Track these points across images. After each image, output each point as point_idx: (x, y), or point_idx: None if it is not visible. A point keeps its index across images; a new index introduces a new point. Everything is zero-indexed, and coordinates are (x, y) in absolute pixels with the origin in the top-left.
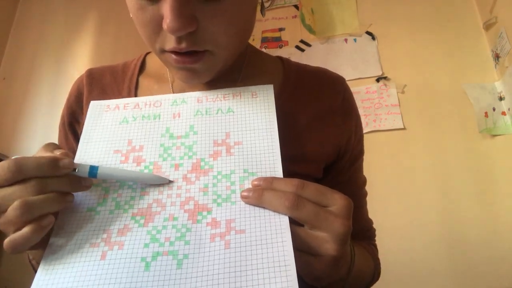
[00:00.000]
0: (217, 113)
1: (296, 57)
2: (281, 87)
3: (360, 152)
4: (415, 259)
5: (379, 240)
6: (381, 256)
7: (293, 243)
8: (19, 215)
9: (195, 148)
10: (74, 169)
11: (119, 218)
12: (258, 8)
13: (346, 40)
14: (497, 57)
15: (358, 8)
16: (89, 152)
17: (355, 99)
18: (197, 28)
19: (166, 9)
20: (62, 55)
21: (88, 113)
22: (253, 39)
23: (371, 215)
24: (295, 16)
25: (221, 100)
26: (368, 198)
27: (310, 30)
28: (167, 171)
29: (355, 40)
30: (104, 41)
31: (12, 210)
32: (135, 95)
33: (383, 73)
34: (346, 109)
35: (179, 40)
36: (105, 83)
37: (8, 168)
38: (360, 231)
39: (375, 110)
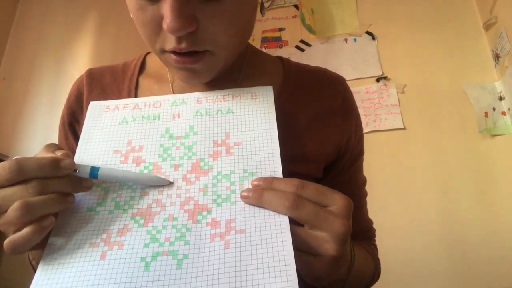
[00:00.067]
0: (216, 113)
1: (296, 57)
2: (281, 87)
3: (360, 152)
4: (415, 259)
5: (379, 240)
6: (381, 256)
7: (293, 243)
8: (20, 215)
9: (195, 148)
10: (75, 170)
11: (118, 218)
12: (258, 8)
13: (346, 40)
14: (497, 57)
15: (358, 8)
16: (89, 152)
17: (355, 99)
18: (197, 28)
19: (166, 9)
20: (62, 55)
21: (87, 113)
22: (253, 39)
23: (371, 215)
24: (295, 16)
25: (220, 101)
26: (368, 198)
27: (310, 30)
28: (166, 172)
29: (355, 40)
30: (104, 41)
31: (13, 210)
32: (135, 95)
33: (383, 73)
34: (346, 109)
35: (179, 40)
36: (105, 83)
37: (9, 169)
38: (360, 231)
39: (375, 110)
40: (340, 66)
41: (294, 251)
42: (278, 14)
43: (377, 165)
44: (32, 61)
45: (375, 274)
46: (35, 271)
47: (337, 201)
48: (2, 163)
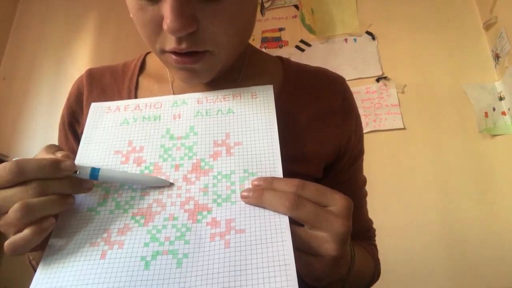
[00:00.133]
0: (217, 114)
1: (296, 57)
2: (281, 87)
3: (360, 152)
4: (415, 259)
5: (379, 240)
6: (381, 256)
7: (293, 243)
8: (20, 217)
9: (195, 148)
10: (76, 171)
11: (119, 217)
12: (258, 8)
13: (346, 40)
14: (497, 57)
15: (358, 8)
16: (90, 153)
17: (355, 99)
18: (197, 29)
19: (166, 10)
20: (62, 55)
21: (89, 114)
22: (253, 39)
23: (371, 215)
24: (295, 16)
25: (221, 101)
26: (368, 198)
27: (310, 30)
28: (167, 172)
29: (355, 40)
30: (104, 41)
31: (13, 212)
32: (135, 95)
33: (383, 73)
34: (346, 109)
35: (179, 40)
36: (105, 83)
37: (9, 170)
38: (360, 231)
39: (375, 110)
40: (340, 66)
41: (294, 251)
42: (278, 14)
43: (377, 165)
44: (32, 61)
45: (375, 274)
46: (35, 271)
47: (337, 201)
48: (2, 164)
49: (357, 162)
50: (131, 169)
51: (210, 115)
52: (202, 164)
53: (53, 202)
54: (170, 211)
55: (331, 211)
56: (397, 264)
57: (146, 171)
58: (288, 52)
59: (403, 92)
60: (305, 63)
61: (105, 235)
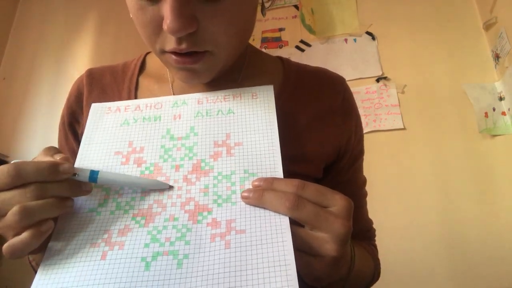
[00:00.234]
0: (217, 114)
1: (296, 57)
2: (281, 87)
3: (360, 152)
4: (415, 259)
5: (379, 240)
6: (381, 256)
7: (293, 243)
8: (18, 220)
9: (196, 149)
10: (75, 174)
11: (119, 218)
12: (259, 8)
13: (346, 40)
14: (497, 57)
15: (358, 8)
16: (90, 154)
17: (355, 99)
18: (197, 29)
19: (166, 10)
20: (62, 55)
21: (89, 115)
22: (253, 39)
23: (371, 215)
24: (295, 16)
25: (221, 101)
26: (368, 198)
27: (310, 30)
28: (167, 172)
29: (355, 40)
30: (104, 41)
31: (11, 215)
32: (135, 95)
33: (383, 73)
34: (346, 109)
35: (179, 40)
36: (105, 83)
37: (7, 173)
38: (360, 231)
39: (375, 110)
40: (340, 66)
41: (294, 252)
42: (278, 14)
43: (377, 165)
44: (32, 61)
45: (375, 274)
46: (35, 272)
47: (337, 201)
48: (1, 167)
49: (357, 162)
50: (132, 169)
51: (210, 116)
52: (203, 164)
53: (52, 205)
54: (171, 212)
55: (332, 212)
56: (397, 264)
57: (147, 172)
58: (288, 52)
59: (403, 92)
60: (305, 63)
61: (105, 236)
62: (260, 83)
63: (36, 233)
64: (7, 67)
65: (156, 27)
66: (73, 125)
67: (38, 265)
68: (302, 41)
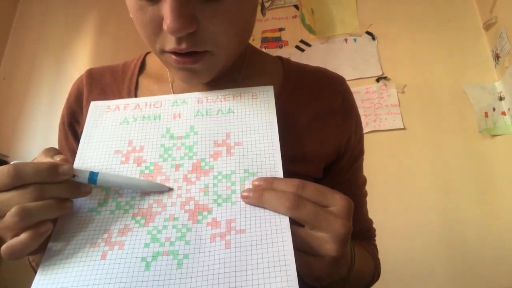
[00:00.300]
0: (217, 113)
1: (296, 57)
2: (281, 87)
3: (360, 152)
4: (415, 259)
5: (379, 240)
6: (381, 256)
7: (293, 243)
8: (17, 221)
9: (196, 148)
10: (74, 175)
11: (119, 218)
12: (258, 8)
13: (346, 40)
14: (497, 57)
15: (358, 8)
16: (90, 153)
17: (355, 99)
18: (197, 29)
19: (166, 10)
20: (62, 55)
21: (88, 113)
22: (253, 39)
23: (371, 215)
24: (295, 16)
25: (221, 101)
26: (368, 198)
27: (310, 30)
28: (167, 172)
29: (355, 40)
30: (104, 41)
31: (10, 216)
32: (135, 95)
33: (383, 73)
34: (346, 109)
35: (179, 40)
36: (105, 83)
37: (7, 173)
38: (360, 231)
39: (375, 110)
40: (340, 66)
41: (294, 251)
42: (278, 14)
43: (377, 165)
44: (32, 61)
45: (375, 274)
46: (35, 272)
47: (337, 201)
48: (0, 167)
49: (357, 162)
50: (131, 168)
51: (210, 115)
52: (203, 164)
53: (51, 207)
54: (171, 212)
55: (331, 212)
56: (397, 264)
57: (146, 171)
58: (288, 52)
59: (403, 92)
60: (305, 63)
61: (105, 235)
62: (260, 83)
63: (35, 234)
64: (7, 67)
65: (156, 27)
66: (73, 125)
67: (38, 265)
68: (302, 41)
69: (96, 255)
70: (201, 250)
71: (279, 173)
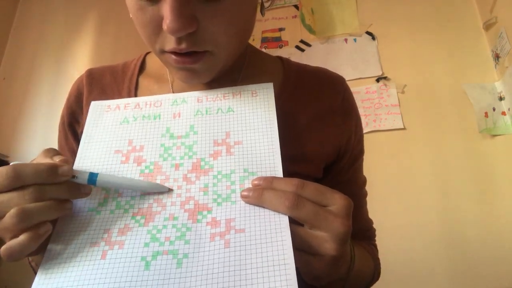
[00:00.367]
0: (217, 112)
1: (296, 57)
2: (281, 87)
3: (360, 152)
4: (415, 259)
5: (379, 240)
6: (381, 256)
7: (292, 242)
8: (16, 222)
9: (195, 148)
10: (73, 176)
11: (119, 218)
12: (258, 8)
13: (346, 40)
14: (497, 57)
15: (358, 8)
16: (90, 153)
17: (355, 99)
18: (197, 29)
19: (166, 10)
20: (62, 55)
21: (89, 113)
22: (253, 39)
23: (371, 215)
24: (295, 16)
25: (221, 100)
26: (368, 198)
27: (310, 30)
28: (167, 171)
29: (355, 40)
30: (104, 41)
31: (9, 217)
32: (135, 95)
33: (383, 73)
34: (346, 109)
35: (179, 40)
36: (105, 83)
37: (6, 175)
38: (360, 231)
39: (375, 110)
40: (340, 66)
41: (293, 251)
42: (278, 14)
43: (377, 165)
44: (32, 61)
45: (375, 274)
46: (35, 272)
47: (337, 201)
48: (0, 168)
49: (357, 162)
50: (131, 168)
51: (210, 114)
52: (202, 163)
53: (50, 208)
54: (170, 211)
55: (331, 211)
56: (397, 264)
57: (146, 171)
58: (288, 52)
59: (403, 92)
60: (305, 63)
61: (105, 235)
62: (260, 83)
63: (34, 236)
64: (7, 67)
65: (156, 27)
66: (73, 125)
67: (38, 265)
68: (302, 41)
69: (96, 254)
70: (200, 250)
71: (279, 173)
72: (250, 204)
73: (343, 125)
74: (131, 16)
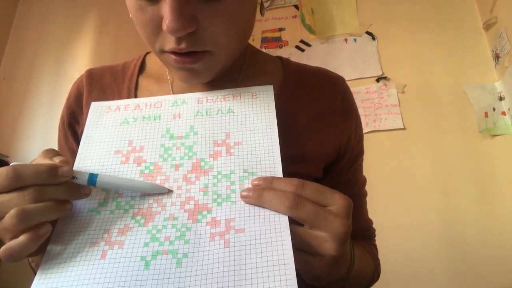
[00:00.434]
0: (217, 113)
1: (296, 57)
2: (281, 87)
3: (360, 152)
4: (415, 259)
5: (379, 240)
6: (381, 256)
7: (292, 242)
8: (16, 223)
9: (195, 148)
10: (73, 177)
11: (119, 218)
12: (258, 8)
13: (346, 40)
14: (497, 57)
15: (358, 8)
16: (90, 153)
17: (355, 99)
18: (197, 28)
19: (166, 10)
20: (62, 55)
21: (89, 114)
22: (253, 39)
23: (371, 215)
24: (295, 16)
25: (221, 101)
26: (368, 198)
27: (310, 30)
28: (167, 171)
29: (355, 40)
30: (104, 41)
31: (9, 218)
32: (135, 96)
33: (383, 73)
34: (346, 109)
35: (178, 40)
36: (105, 83)
37: (6, 175)
38: (360, 231)
39: (375, 110)
40: (340, 66)
41: (293, 251)
42: (278, 14)
43: (377, 165)
44: (32, 61)
45: (375, 274)
46: (35, 273)
47: (337, 201)
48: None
49: (357, 162)
50: (131, 168)
51: (210, 115)
52: (202, 164)
53: (50, 208)
54: (170, 211)
55: (331, 211)
56: (397, 264)
57: (146, 171)
58: (288, 52)
59: (403, 92)
60: (305, 63)
61: (105, 235)
62: (260, 83)
63: (34, 236)
64: (7, 67)
65: (156, 27)
66: (72, 125)
67: (37, 266)
68: (302, 41)
69: (96, 254)
70: (200, 249)
71: (279, 173)
72: (250, 204)
73: (343, 125)
74: (131, 16)
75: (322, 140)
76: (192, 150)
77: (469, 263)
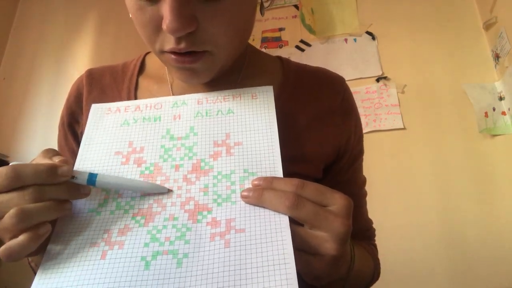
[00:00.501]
0: (217, 114)
1: (296, 57)
2: (280, 87)
3: (360, 152)
4: (415, 259)
5: (379, 240)
6: (381, 256)
7: (293, 242)
8: (15, 223)
9: (195, 149)
10: (73, 177)
11: (119, 218)
12: (258, 8)
13: (346, 40)
14: (497, 57)
15: (358, 8)
16: (91, 154)
17: (355, 99)
18: (196, 28)
19: (166, 10)
20: (62, 55)
21: (89, 116)
22: (253, 39)
23: (371, 215)
24: (295, 16)
25: (221, 102)
26: (368, 198)
27: (310, 30)
28: (167, 172)
29: (355, 40)
30: (104, 41)
31: (9, 217)
32: (135, 96)
33: (383, 73)
34: (345, 109)
35: (178, 40)
36: (104, 83)
37: (5, 175)
38: (360, 231)
39: (375, 110)
40: (340, 66)
41: (294, 251)
42: (278, 14)
43: (377, 165)
44: (32, 61)
45: (375, 274)
46: (35, 273)
47: (337, 200)
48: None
49: (357, 162)
50: (132, 169)
51: (210, 116)
52: (202, 164)
53: (50, 208)
54: (170, 211)
55: (331, 211)
56: (397, 264)
57: (147, 172)
58: (288, 52)
59: (403, 92)
60: (305, 63)
61: (105, 235)
62: (259, 83)
63: (34, 236)
64: (7, 67)
65: (156, 27)
66: (72, 126)
67: (37, 266)
68: (302, 41)
69: (96, 254)
70: (200, 249)
71: (279, 173)
72: (250, 204)
73: (342, 125)
74: (130, 16)
75: (321, 141)
76: (192, 151)
77: (469, 263)
